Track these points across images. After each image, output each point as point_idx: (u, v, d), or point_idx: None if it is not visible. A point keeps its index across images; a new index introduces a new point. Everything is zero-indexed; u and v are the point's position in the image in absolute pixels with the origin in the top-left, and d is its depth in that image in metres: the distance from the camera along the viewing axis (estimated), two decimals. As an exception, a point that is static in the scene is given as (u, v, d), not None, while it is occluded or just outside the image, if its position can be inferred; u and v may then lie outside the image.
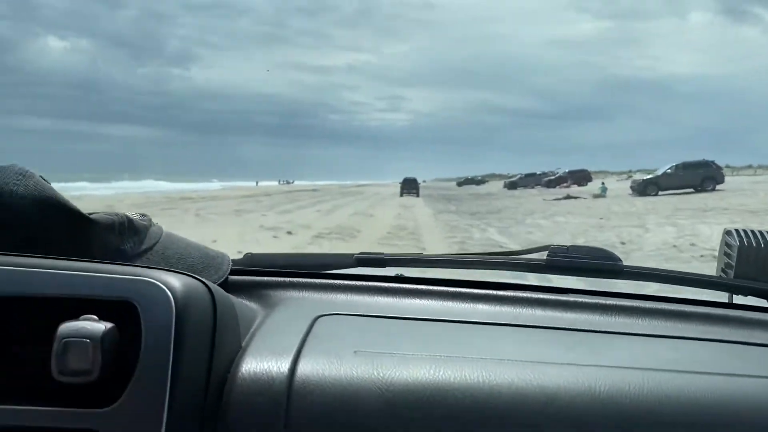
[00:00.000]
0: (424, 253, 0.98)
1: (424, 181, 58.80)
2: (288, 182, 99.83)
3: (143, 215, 0.76)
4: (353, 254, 0.89)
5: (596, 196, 24.69)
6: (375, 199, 30.46)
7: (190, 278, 0.57)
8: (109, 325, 0.49)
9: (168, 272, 0.56)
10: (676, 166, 25.09)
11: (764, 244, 0.88)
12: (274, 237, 11.24)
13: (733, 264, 0.89)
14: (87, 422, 0.49)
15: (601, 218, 15.10)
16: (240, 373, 0.56)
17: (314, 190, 48.05)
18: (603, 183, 29.61)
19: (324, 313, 0.69)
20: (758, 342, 0.71)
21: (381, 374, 0.55)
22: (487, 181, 70.35)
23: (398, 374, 0.55)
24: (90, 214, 0.68)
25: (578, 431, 0.54)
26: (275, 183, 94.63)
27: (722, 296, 0.88)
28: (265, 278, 0.83)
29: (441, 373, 0.56)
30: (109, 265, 0.56)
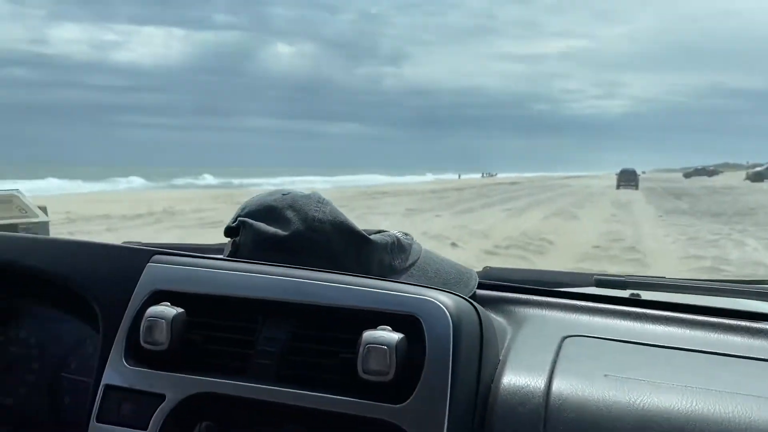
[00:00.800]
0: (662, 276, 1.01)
1: (643, 172, 52.39)
2: (491, 174, 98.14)
3: (406, 234, 0.87)
4: (593, 274, 1.03)
5: None
6: (583, 194, 25.74)
7: (459, 297, 0.67)
8: (401, 335, 0.60)
9: (441, 291, 0.66)
10: None
11: None
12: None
13: None
14: (383, 414, 0.59)
15: None
16: (502, 385, 0.63)
17: (513, 183, 43.93)
18: None
19: (570, 334, 0.75)
20: None
21: (633, 399, 0.59)
22: (721, 171, 55.50)
23: (650, 401, 0.58)
24: (369, 234, 0.80)
25: None
26: (478, 176, 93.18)
27: None
28: (508, 294, 0.89)
29: (695, 404, 0.57)
30: (395, 283, 0.69)
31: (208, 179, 47.47)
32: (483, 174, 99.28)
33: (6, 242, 0.88)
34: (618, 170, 32.14)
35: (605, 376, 0.64)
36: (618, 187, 27.84)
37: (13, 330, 0.90)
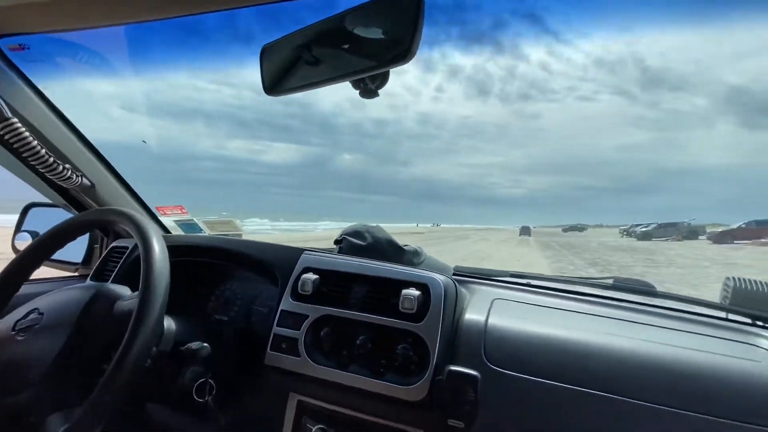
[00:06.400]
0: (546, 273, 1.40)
1: (534, 227, 69.29)
2: (437, 225, 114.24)
3: (419, 247, 1.36)
4: (510, 272, 1.34)
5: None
6: (504, 236, 37.74)
7: (446, 276, 1.06)
8: (419, 292, 1.01)
9: (439, 274, 1.06)
10: None
11: (752, 286, 1.17)
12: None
13: (729, 296, 1.19)
14: (411, 327, 0.99)
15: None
16: (464, 319, 1.03)
17: (462, 231, 57.36)
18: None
19: (497, 298, 1.15)
20: (737, 340, 1.00)
21: (528, 328, 0.99)
22: (587, 228, 70.49)
23: (536, 329, 0.99)
24: (403, 246, 1.33)
25: (642, 367, 0.88)
26: (430, 225, 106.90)
27: (721, 314, 1.13)
28: (468, 278, 1.31)
29: (567, 333, 0.97)
30: (416, 269, 1.09)
31: (327, 224, 73.27)
32: (433, 223, 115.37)
33: (241, 242, 1.34)
34: (520, 226, 52.69)
35: (513, 317, 1.05)
36: (521, 234, 43.04)
37: (231, 283, 1.37)
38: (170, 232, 1.68)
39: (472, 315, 1.05)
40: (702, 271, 10.88)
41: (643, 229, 32.62)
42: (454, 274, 1.35)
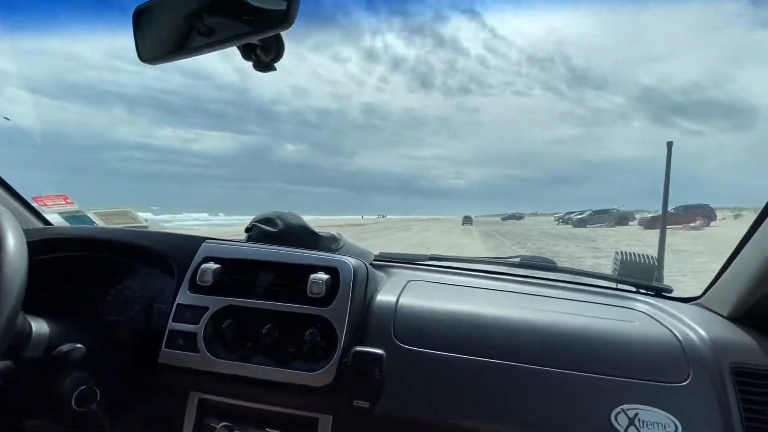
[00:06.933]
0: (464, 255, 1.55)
1: (476, 216, 75.76)
2: (383, 216, 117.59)
3: (338, 233, 1.33)
4: (429, 255, 1.40)
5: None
6: (448, 225, 38.37)
7: (359, 261, 1.08)
8: (328, 276, 1.00)
9: (350, 258, 1.07)
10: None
11: (635, 258, 1.33)
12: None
13: (617, 268, 1.35)
14: (319, 312, 0.98)
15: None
16: (375, 300, 1.05)
17: (406, 221, 57.78)
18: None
19: (411, 279, 1.21)
20: (620, 305, 1.15)
21: (437, 306, 1.04)
22: (524, 216, 74.68)
23: (445, 306, 1.04)
24: (319, 232, 1.28)
25: (539, 334, 0.96)
26: (375, 216, 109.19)
27: (612, 284, 1.27)
28: (389, 262, 1.35)
29: (472, 308, 1.03)
30: (328, 254, 1.10)
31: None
32: (378, 215, 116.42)
33: (133, 233, 1.24)
34: (463, 215, 55.10)
35: (424, 296, 1.09)
36: (463, 224, 43.84)
37: (129, 280, 1.24)
38: (51, 225, 1.51)
39: (384, 296, 1.07)
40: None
41: (579, 217, 33.92)
42: (375, 260, 1.38)
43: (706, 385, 0.88)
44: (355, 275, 1.02)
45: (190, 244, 1.15)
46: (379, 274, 1.21)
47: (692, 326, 1.00)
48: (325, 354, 0.95)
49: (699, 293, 1.21)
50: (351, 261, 1.05)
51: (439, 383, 0.91)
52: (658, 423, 0.84)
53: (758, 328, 1.01)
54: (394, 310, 1.03)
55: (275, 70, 0.74)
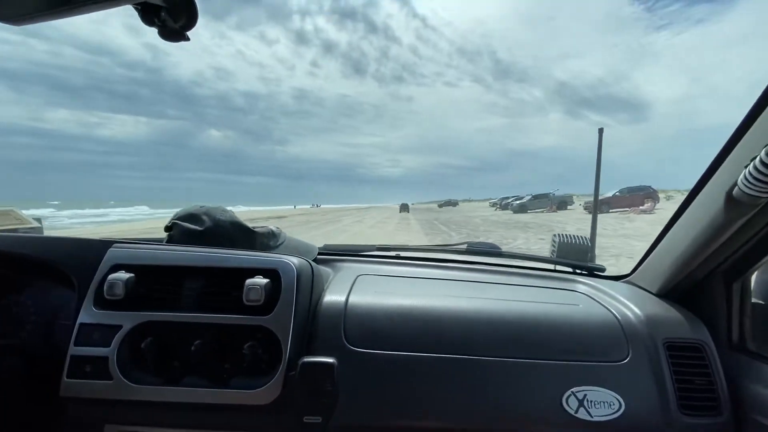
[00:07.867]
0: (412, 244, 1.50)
1: (412, 204, 76.34)
2: (317, 205, 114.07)
3: (277, 228, 1.25)
4: (377, 245, 1.40)
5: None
6: (387, 213, 36.63)
7: (302, 259, 1.02)
8: (267, 280, 0.93)
9: (292, 256, 1.01)
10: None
11: (571, 240, 1.43)
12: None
13: (556, 250, 1.41)
14: (259, 321, 0.92)
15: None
16: (323, 302, 1.01)
17: (341, 210, 54.38)
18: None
19: (361, 274, 1.18)
20: (563, 288, 1.22)
21: (388, 302, 1.02)
22: (458, 203, 75.48)
23: (397, 302, 1.02)
24: (254, 228, 1.18)
25: (491, 325, 0.98)
26: (309, 206, 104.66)
27: (551, 266, 1.38)
28: (335, 256, 1.33)
29: (426, 302, 1.03)
30: (266, 254, 1.01)
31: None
32: (312, 205, 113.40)
33: (11, 239, 1.06)
34: (400, 203, 56.55)
35: (375, 292, 1.07)
36: (400, 211, 44.09)
37: (18, 296, 1.09)
38: None
39: (333, 296, 1.05)
40: (606, 241, 10.56)
41: (518, 202, 33.60)
42: (320, 253, 1.38)
43: (644, 361, 0.98)
44: (298, 277, 0.98)
45: (93, 250, 1.04)
46: (326, 270, 1.21)
47: (627, 305, 1.11)
48: (269, 368, 0.92)
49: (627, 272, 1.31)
50: (293, 260, 1.01)
51: (392, 384, 0.92)
52: (604, 402, 0.92)
53: (684, 303, 1.12)
54: (344, 311, 1.01)
55: (187, 39, 0.63)
